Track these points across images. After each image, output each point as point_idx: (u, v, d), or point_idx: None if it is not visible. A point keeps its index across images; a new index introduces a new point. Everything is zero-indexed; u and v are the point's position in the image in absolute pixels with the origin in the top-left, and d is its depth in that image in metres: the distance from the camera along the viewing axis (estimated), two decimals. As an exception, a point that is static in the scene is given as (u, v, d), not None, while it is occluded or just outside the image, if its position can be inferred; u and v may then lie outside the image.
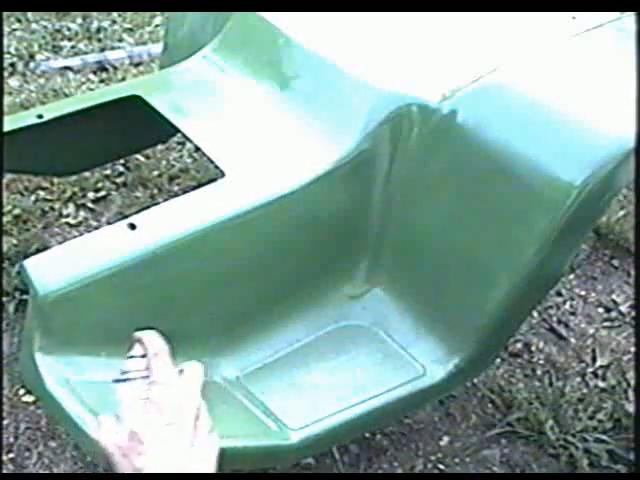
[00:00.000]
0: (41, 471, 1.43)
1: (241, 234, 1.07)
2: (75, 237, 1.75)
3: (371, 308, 1.21)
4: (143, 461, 0.64)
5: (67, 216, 1.98)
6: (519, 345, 1.70)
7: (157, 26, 2.90)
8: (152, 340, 0.77)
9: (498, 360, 1.63)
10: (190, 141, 1.24)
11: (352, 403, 1.08)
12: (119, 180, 2.11)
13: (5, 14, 2.80)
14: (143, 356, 0.77)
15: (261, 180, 1.10)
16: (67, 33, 2.85)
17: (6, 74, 2.57)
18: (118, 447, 0.67)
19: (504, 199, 1.05)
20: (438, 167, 1.12)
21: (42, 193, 2.04)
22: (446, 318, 1.14)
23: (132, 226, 1.00)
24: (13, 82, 2.52)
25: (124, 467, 0.66)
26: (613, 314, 1.81)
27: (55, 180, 2.04)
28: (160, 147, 2.15)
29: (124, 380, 0.73)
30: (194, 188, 1.13)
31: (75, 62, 2.64)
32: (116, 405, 0.81)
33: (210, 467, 0.67)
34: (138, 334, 0.78)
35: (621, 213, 2.01)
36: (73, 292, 0.93)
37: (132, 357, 0.78)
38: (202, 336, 1.10)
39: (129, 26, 2.92)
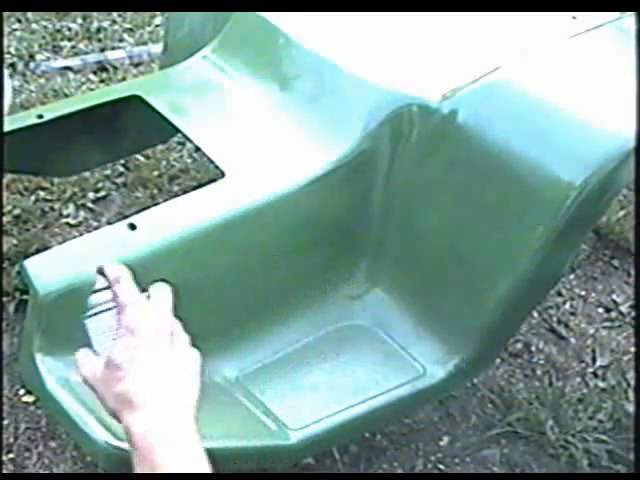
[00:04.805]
0: (41, 471, 1.43)
1: (241, 234, 1.07)
2: (75, 237, 1.75)
3: (371, 308, 1.21)
4: (124, 385, 0.62)
5: (67, 216, 1.98)
6: (519, 345, 1.70)
7: (157, 26, 2.89)
8: (111, 268, 0.72)
9: (498, 360, 1.63)
10: (190, 141, 1.24)
11: (352, 403, 1.08)
12: (119, 180, 2.11)
13: (5, 14, 2.79)
14: (107, 288, 0.73)
15: (261, 180, 1.10)
16: (67, 33, 2.84)
17: (6, 74, 2.56)
18: (97, 379, 0.64)
19: (504, 199, 1.05)
20: (438, 167, 1.12)
21: (42, 193, 2.03)
22: (446, 318, 1.14)
23: (132, 226, 1.00)
24: (13, 82, 2.52)
25: (108, 398, 0.64)
26: (613, 314, 1.81)
27: (55, 180, 2.04)
28: (160, 147, 2.14)
29: (92, 315, 0.70)
30: (194, 188, 1.14)
31: (75, 62, 2.64)
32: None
33: (192, 379, 0.66)
34: (98, 267, 0.74)
35: (621, 213, 2.01)
36: (73, 292, 0.93)
37: (96, 291, 0.74)
38: (202, 336, 1.09)
39: (129, 26, 2.91)
